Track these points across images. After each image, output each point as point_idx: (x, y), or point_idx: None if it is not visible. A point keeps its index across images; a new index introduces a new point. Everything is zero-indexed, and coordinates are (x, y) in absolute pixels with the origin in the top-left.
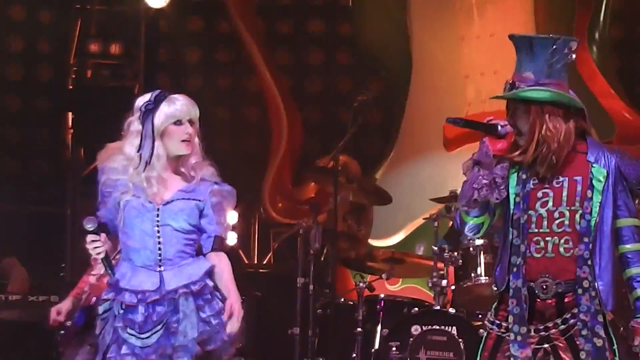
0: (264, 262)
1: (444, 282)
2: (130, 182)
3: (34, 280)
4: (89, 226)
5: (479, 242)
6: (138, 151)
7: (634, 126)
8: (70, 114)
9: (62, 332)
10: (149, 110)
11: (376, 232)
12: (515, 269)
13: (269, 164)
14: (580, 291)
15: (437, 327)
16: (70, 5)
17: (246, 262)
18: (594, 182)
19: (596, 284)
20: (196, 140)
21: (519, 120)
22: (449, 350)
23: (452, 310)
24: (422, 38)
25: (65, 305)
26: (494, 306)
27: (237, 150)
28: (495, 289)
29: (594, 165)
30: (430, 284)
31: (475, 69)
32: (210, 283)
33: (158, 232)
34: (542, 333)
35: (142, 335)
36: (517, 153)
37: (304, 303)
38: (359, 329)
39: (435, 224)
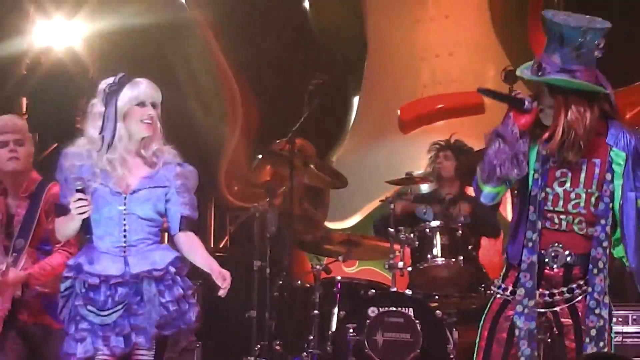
0: (221, 246)
1: (400, 264)
2: (96, 168)
3: None
4: (78, 184)
5: (434, 223)
6: (100, 133)
7: None
8: (24, 99)
9: None
10: (113, 92)
11: (332, 215)
12: (530, 244)
13: (224, 147)
14: (595, 271)
15: (394, 309)
16: None
17: None
18: (613, 165)
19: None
20: (158, 124)
21: (542, 98)
22: (406, 331)
23: (408, 292)
24: (377, 21)
25: None
26: (501, 273)
27: (192, 133)
28: (507, 259)
29: (613, 148)
30: (386, 266)
31: (430, 50)
32: (172, 270)
33: (124, 219)
34: (547, 299)
35: (103, 313)
36: (544, 138)
37: (260, 286)
38: (316, 312)
39: (392, 206)
